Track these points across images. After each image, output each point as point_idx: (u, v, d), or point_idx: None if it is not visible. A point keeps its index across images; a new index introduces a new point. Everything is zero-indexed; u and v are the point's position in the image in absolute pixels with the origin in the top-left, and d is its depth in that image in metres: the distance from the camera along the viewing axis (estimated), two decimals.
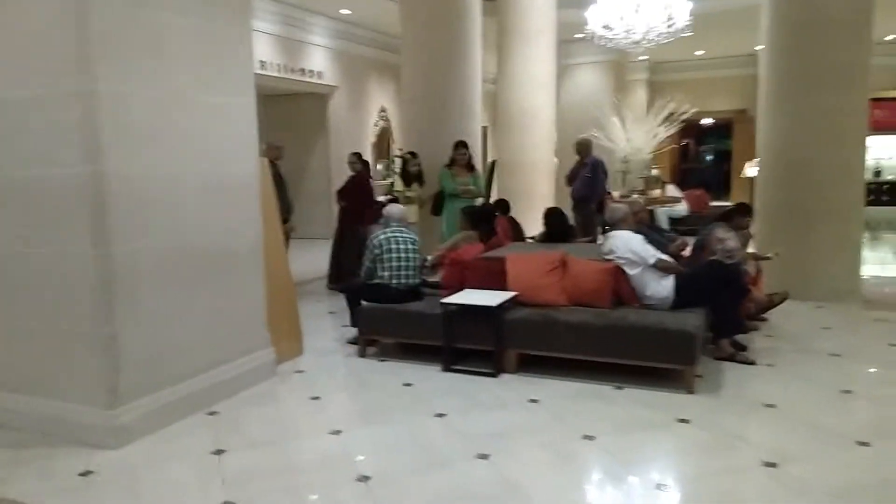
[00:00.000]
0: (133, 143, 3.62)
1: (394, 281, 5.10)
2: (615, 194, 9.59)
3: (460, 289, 5.02)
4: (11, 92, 3.62)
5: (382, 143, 14.10)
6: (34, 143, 3.60)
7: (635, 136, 10.81)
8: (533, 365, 4.64)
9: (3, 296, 3.82)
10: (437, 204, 7.44)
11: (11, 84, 3.62)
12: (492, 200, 8.04)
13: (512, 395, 4.26)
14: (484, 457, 3.38)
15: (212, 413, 3.98)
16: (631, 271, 4.81)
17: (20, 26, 3.57)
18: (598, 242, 5.81)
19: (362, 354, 5.11)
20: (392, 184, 8.62)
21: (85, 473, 3.24)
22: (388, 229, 5.26)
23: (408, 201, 7.50)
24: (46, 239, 3.62)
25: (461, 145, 7.43)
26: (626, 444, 3.55)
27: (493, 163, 10.72)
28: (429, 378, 4.60)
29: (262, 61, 10.37)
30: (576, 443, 3.57)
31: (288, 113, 12.47)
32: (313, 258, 8.36)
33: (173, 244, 3.87)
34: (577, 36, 11.35)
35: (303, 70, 11.81)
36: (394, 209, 5.56)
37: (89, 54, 3.39)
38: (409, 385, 4.48)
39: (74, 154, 3.48)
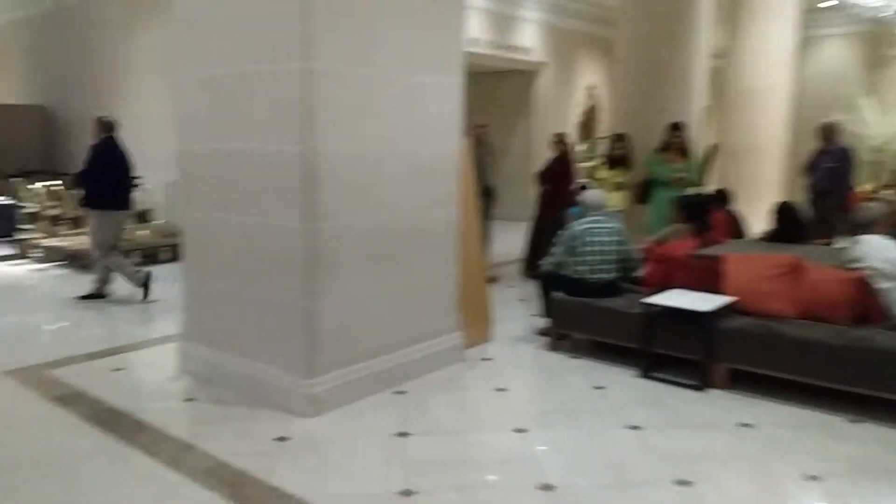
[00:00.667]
0: (342, 122, 3.67)
1: (591, 276, 4.75)
2: (865, 188, 8.20)
3: (666, 288, 4.54)
4: (239, 67, 3.84)
5: (588, 123, 13.56)
6: (256, 119, 3.79)
7: (893, 121, 9.18)
8: (746, 382, 4.07)
9: (219, 261, 4.12)
10: (644, 191, 6.86)
11: (240, 60, 3.84)
12: (709, 190, 7.27)
13: (719, 415, 3.76)
14: (684, 483, 2.99)
15: (399, 392, 3.98)
16: (884, 285, 4.00)
17: (250, 3, 3.76)
18: (839, 246, 4.94)
19: (553, 348, 4.85)
20: (594, 167, 8.16)
21: (280, 439, 3.38)
22: (585, 219, 4.89)
23: (612, 187, 7.02)
24: (261, 211, 3.82)
25: (676, 127, 6.77)
26: (860, 492, 2.94)
27: (714, 147, 9.75)
28: (623, 383, 4.23)
29: (471, 38, 10.36)
30: (795, 482, 3.04)
31: (491, 91, 12.39)
32: (508, 241, 8.23)
33: (373, 223, 3.91)
34: (824, 4, 9.87)
35: (511, 46, 11.61)
36: (591, 196, 5.15)
37: (310, 32, 3.47)
38: (600, 388, 4.15)
39: (291, 131, 3.60)
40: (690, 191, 6.52)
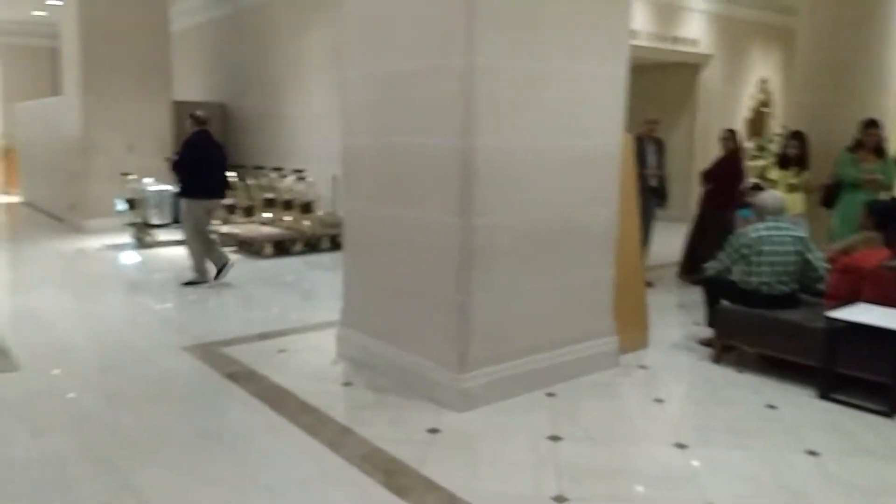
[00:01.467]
0: (501, 116, 3.64)
1: (766, 289, 4.35)
2: None
3: (851, 302, 4.07)
4: (403, 64, 3.92)
5: (758, 119, 12.58)
6: (418, 114, 3.86)
7: None
8: None
9: (377, 252, 4.24)
10: (832, 194, 6.19)
11: (404, 57, 3.92)
12: None
13: None
14: None
15: (550, 394, 3.89)
16: None
17: (415, 1, 3.82)
18: None
19: (716, 360, 4.51)
20: (764, 167, 7.52)
21: (432, 430, 3.41)
22: (761, 225, 4.47)
23: (784, 189, 6.42)
24: (419, 205, 3.88)
25: (871, 124, 6.05)
26: None
27: None
28: (799, 404, 3.85)
29: (633, 30, 9.94)
30: None
31: (653, 85, 11.83)
32: (666, 243, 7.82)
33: (529, 219, 3.84)
34: None
35: (676, 38, 11.03)
36: (769, 198, 4.66)
37: (473, 27, 3.46)
38: (773, 408, 3.80)
39: (451, 126, 3.62)
40: (883, 195, 5.82)
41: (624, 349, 4.49)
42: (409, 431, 3.41)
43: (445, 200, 3.69)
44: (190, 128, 6.74)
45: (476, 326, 3.69)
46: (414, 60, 3.85)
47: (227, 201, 8.76)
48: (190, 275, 6.70)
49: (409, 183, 3.97)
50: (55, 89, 15.47)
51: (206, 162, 6.60)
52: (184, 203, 6.65)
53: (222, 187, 6.93)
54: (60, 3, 10.53)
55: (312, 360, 4.50)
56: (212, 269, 6.72)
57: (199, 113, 6.79)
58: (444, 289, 3.74)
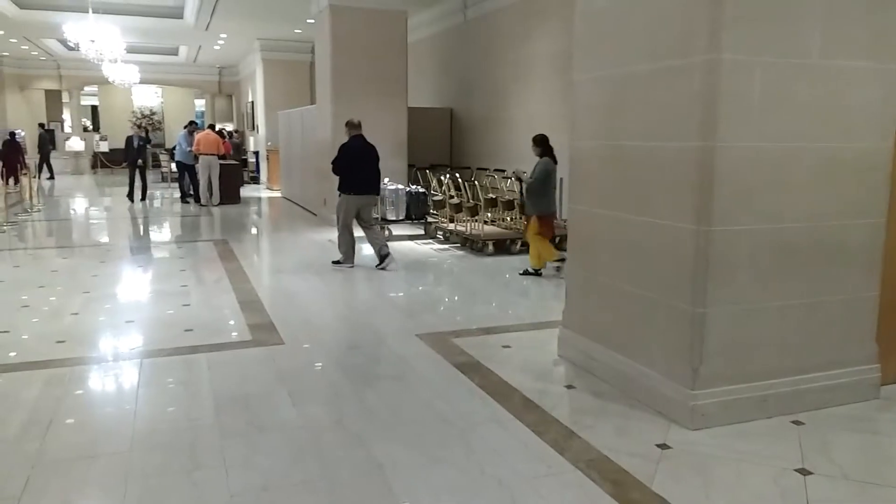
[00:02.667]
0: (747, 115, 3.40)
1: None
2: None
3: None
4: (639, 66, 3.82)
5: None
6: (652, 116, 3.74)
7: None
8: None
9: (603, 255, 4.18)
10: None
11: (640, 58, 3.82)
12: None
13: None
14: None
15: (796, 423, 3.55)
16: None
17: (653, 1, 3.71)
18: None
19: None
20: None
21: (661, 445, 3.29)
22: None
23: None
24: (652, 210, 3.75)
25: None
26: None
27: None
28: None
29: None
30: None
31: None
32: None
33: (776, 228, 3.54)
34: None
35: None
36: None
37: (719, 21, 3.27)
38: None
39: (689, 128, 3.47)
40: None
41: (886, 380, 3.94)
42: (636, 443, 3.33)
43: (680, 206, 3.54)
44: (347, 133, 7.59)
45: (711, 341, 3.49)
46: (648, 61, 3.74)
47: (454, 200, 9.23)
48: (338, 256, 7.77)
49: (640, 186, 3.86)
50: (310, 98, 17.50)
51: (358, 163, 7.43)
52: (340, 198, 7.57)
53: (373, 185, 7.63)
54: (313, 21, 11.84)
55: (534, 359, 4.58)
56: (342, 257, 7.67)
57: (353, 120, 7.66)
58: (676, 298, 3.59)
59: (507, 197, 9.20)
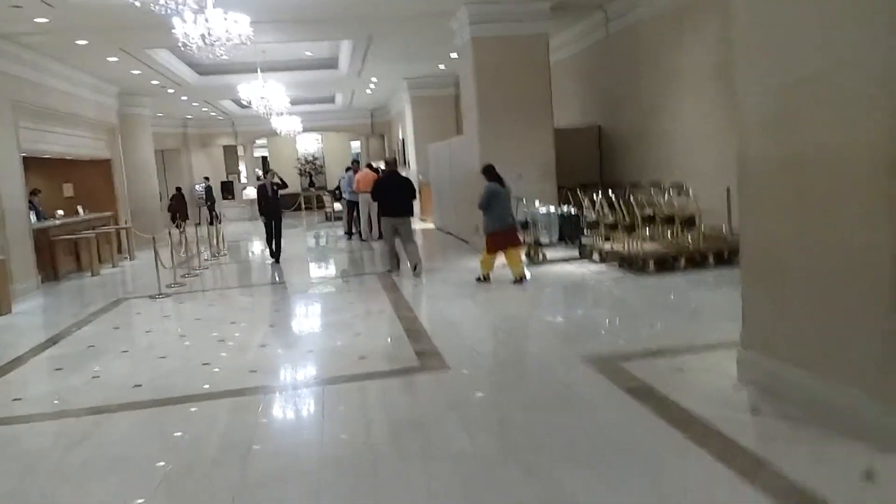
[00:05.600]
0: None
1: None
2: None
3: None
4: (811, 69, 3.55)
5: None
6: (833, 121, 3.44)
7: None
8: None
9: (787, 269, 3.87)
10: None
11: (812, 61, 3.54)
12: None
13: None
14: None
15: None
16: None
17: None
18: None
19: None
20: None
21: (867, 475, 2.97)
22: None
23: None
24: (841, 220, 3.44)
25: None
26: None
27: None
28: None
29: None
30: None
31: None
32: None
33: None
34: None
35: None
36: None
37: None
38: None
39: (876, 131, 3.15)
40: None
41: None
42: (837, 473, 3.03)
43: (875, 216, 3.21)
44: (387, 167, 10.15)
45: None
46: (824, 63, 3.46)
47: (609, 220, 9.03)
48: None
49: (826, 195, 3.55)
50: (457, 129, 18.02)
51: (390, 191, 9.51)
52: (381, 220, 9.82)
53: (402, 210, 9.49)
54: (456, 55, 12.22)
55: (711, 382, 4.33)
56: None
57: (389, 157, 10.34)
58: (877, 313, 3.25)
59: (666, 213, 8.85)
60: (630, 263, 8.47)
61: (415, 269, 9.30)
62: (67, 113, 12.88)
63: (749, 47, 4.14)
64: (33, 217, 11.42)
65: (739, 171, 4.30)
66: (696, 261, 8.28)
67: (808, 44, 3.61)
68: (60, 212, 13.15)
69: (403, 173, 22.29)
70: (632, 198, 9.47)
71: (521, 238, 8.54)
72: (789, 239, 3.86)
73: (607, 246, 9.03)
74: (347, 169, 15.96)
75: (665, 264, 8.24)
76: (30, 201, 11.37)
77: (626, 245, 8.59)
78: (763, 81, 4.01)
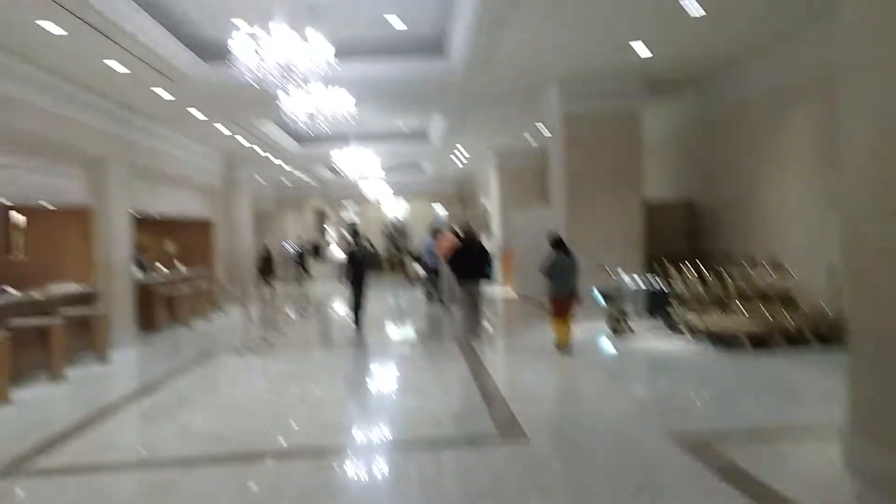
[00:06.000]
0: None
1: None
2: None
3: None
4: None
5: None
6: None
7: None
8: None
9: None
10: None
11: None
12: None
13: None
14: None
15: None
16: None
17: None
18: None
19: None
20: None
21: None
22: None
23: None
24: None
25: None
26: None
27: None
28: None
29: None
30: None
31: None
32: None
33: None
34: None
35: None
36: None
37: None
38: None
39: None
40: None
41: None
42: None
43: None
44: (464, 235, 10.71)
45: None
46: None
47: (699, 294, 8.70)
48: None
49: None
50: (541, 198, 18.07)
51: (466, 258, 10.01)
52: (457, 284, 10.29)
53: (477, 274, 9.97)
54: (545, 128, 12.38)
55: (812, 469, 4.00)
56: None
57: (466, 227, 11.05)
58: None
59: (760, 287, 8.45)
60: (722, 340, 8.07)
61: (476, 332, 9.79)
62: (176, 176, 13.84)
63: (859, 123, 3.98)
64: (137, 272, 12.16)
65: (847, 248, 4.08)
66: (794, 339, 7.81)
67: None
68: (162, 267, 13.97)
69: (486, 240, 22.46)
70: (724, 271, 9.11)
71: (574, 309, 8.46)
72: None
73: (697, 320, 8.66)
74: (429, 234, 16.24)
75: (760, 342, 7.80)
76: (135, 257, 12.14)
77: (717, 320, 8.21)
78: (875, 159, 3.83)
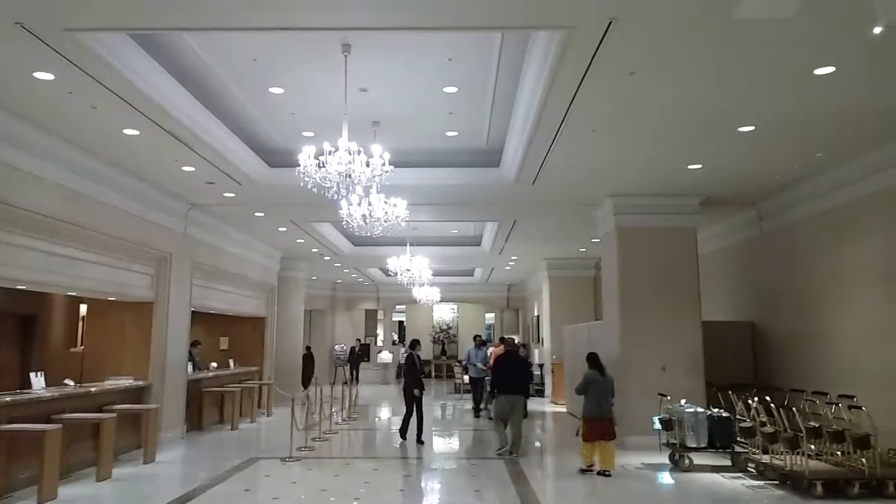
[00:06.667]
0: None
1: None
2: None
3: None
4: None
5: None
6: None
7: None
8: None
9: None
10: None
11: None
12: None
13: None
14: None
15: None
16: None
17: None
18: None
19: None
20: None
21: None
22: None
23: None
24: None
25: None
26: None
27: None
28: None
29: None
30: None
31: None
32: None
33: None
34: None
35: None
36: None
37: None
38: None
39: None
40: None
41: None
42: None
43: None
44: (504, 347, 11.34)
45: None
46: None
47: (767, 428, 8.17)
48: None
49: None
50: (594, 311, 17.77)
51: (507, 371, 10.16)
52: (497, 397, 10.33)
53: (518, 389, 10.18)
54: (599, 240, 12.33)
55: None
56: None
57: (507, 339, 12.21)
58: None
59: (834, 426, 7.88)
60: (793, 482, 7.47)
61: (515, 447, 9.80)
62: (235, 273, 14.20)
63: None
64: (190, 367, 12.25)
65: None
66: (873, 486, 7.16)
67: None
68: (214, 364, 14.07)
69: (536, 351, 22.10)
70: (794, 407, 8.57)
71: (614, 431, 8.62)
72: None
73: (765, 458, 8.08)
74: (476, 344, 15.97)
75: (835, 488, 7.18)
76: (189, 352, 12.27)
77: (787, 461, 7.64)
78: None
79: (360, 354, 25.54)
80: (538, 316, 21.81)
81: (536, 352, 21.85)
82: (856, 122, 7.41)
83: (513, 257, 18.74)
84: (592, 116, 7.24)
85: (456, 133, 9.01)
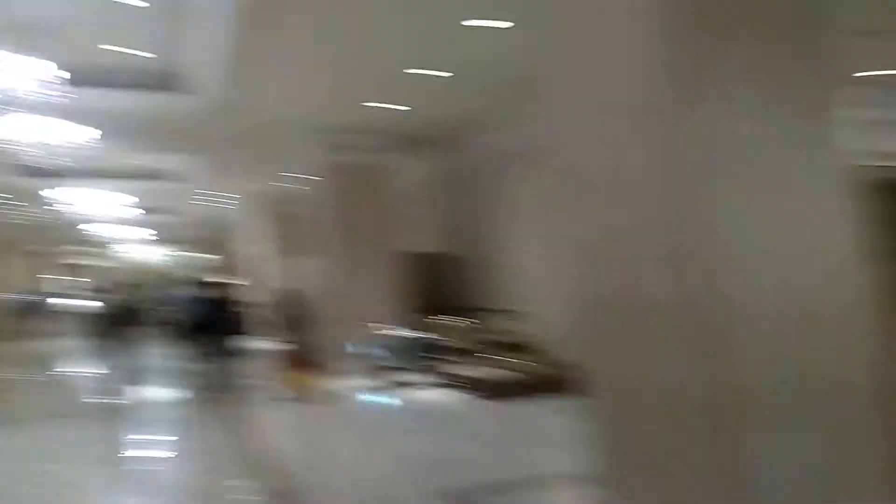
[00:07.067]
0: None
1: None
2: None
3: None
4: None
5: None
6: None
7: None
8: None
9: None
10: None
11: None
12: None
13: None
14: None
15: None
16: None
17: None
18: None
19: None
20: None
21: None
22: None
23: None
24: None
25: None
26: None
27: None
28: None
29: None
30: None
31: None
32: None
33: None
34: None
35: None
36: None
37: None
38: None
39: None
40: None
41: None
42: None
43: None
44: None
45: None
46: None
47: (459, 345, 9.08)
48: None
49: None
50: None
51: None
52: None
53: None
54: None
55: None
56: None
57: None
58: None
59: (507, 339, 9.09)
60: (477, 387, 8.47)
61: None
62: None
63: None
64: None
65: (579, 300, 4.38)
66: (534, 387, 8.41)
67: None
68: None
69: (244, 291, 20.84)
70: (474, 321, 9.65)
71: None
72: None
73: (454, 370, 9.01)
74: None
75: (504, 389, 8.28)
76: None
77: (474, 371, 8.62)
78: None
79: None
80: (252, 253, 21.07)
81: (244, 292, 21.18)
82: None
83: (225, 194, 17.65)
84: None
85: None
